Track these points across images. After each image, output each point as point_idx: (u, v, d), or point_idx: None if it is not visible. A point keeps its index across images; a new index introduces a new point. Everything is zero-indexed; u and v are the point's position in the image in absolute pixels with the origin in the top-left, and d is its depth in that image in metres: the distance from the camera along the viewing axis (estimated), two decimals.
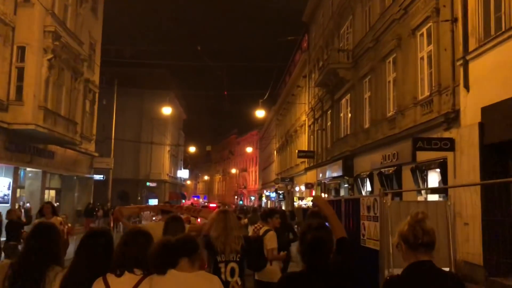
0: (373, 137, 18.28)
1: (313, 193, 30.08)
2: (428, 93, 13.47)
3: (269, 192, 52.10)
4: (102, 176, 30.29)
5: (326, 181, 25.85)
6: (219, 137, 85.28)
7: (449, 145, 11.55)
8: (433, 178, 13.17)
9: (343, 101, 23.30)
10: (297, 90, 36.56)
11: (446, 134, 12.01)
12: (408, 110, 14.86)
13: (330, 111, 25.93)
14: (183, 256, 2.80)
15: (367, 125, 19.56)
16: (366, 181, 19.57)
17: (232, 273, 4.00)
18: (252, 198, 60.75)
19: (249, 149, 60.40)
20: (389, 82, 16.99)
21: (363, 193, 19.59)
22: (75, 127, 22.58)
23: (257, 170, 67.79)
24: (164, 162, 49.29)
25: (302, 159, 32.73)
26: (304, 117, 33.32)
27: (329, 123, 26.33)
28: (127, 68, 44.98)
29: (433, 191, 12.67)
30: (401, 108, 15.57)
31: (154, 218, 16.54)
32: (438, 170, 12.56)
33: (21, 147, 19.07)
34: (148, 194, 46.03)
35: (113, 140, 30.18)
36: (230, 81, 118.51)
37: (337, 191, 23.80)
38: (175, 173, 57.08)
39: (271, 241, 5.86)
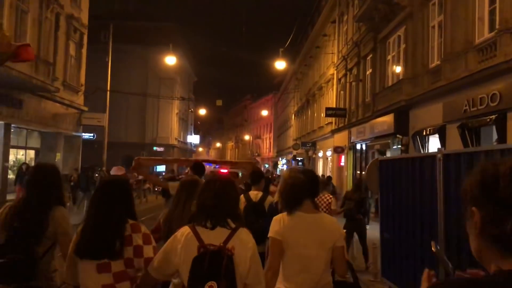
0: (447, 77, 12.56)
1: (343, 158, 24.58)
2: None
3: (285, 159, 46.74)
4: (92, 134, 24.97)
5: (364, 143, 20.26)
6: (232, 102, 79.42)
7: None
8: None
9: (393, 38, 17.41)
10: (322, 41, 30.56)
11: None
12: None
13: (371, 55, 20.08)
14: (307, 198, 2.91)
15: (434, 63, 13.83)
16: (429, 139, 14.07)
17: None
18: (266, 165, 55.50)
19: (264, 112, 54.66)
20: None
21: None
22: (48, 68, 17.09)
23: (271, 137, 62.33)
24: (172, 125, 44.08)
25: (329, 120, 27.09)
26: (332, 70, 27.47)
27: (369, 71, 20.53)
28: (131, 21, 39.56)
29: None
30: (508, 25, 9.86)
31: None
32: None
33: None
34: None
35: (108, 92, 24.58)
36: (247, 39, 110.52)
37: (382, 155, 18.20)
38: (185, 138, 51.92)
39: None
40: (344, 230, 5.41)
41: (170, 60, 27.06)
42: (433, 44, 14.10)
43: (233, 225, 2.39)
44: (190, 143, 55.60)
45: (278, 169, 46.62)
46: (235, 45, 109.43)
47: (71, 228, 3.03)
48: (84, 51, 23.04)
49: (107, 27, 25.78)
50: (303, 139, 35.38)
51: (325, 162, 29.46)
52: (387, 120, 16.69)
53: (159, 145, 42.61)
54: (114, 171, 7.60)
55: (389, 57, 17.93)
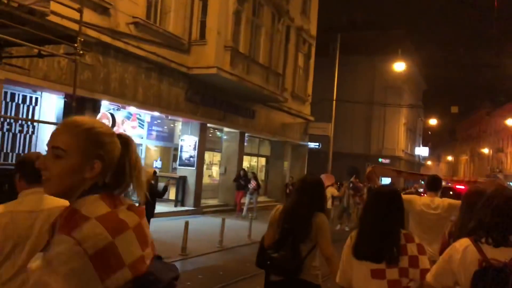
0: None
1: None
2: None
3: None
4: (317, 144, 25.16)
5: None
6: (467, 112, 71.22)
7: None
8: None
9: None
10: None
11: None
12: None
13: None
14: None
15: None
16: None
17: None
18: (511, 183, 47.44)
19: (510, 122, 46.89)
20: None
21: None
22: (277, 79, 17.73)
23: None
24: (399, 137, 41.79)
25: None
26: None
27: None
28: (358, 32, 39.26)
29: None
30: None
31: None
32: None
33: (208, 100, 15.22)
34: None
35: (334, 102, 24.41)
36: (491, 36, 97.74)
37: None
38: (413, 150, 48.65)
39: None
40: None
41: (399, 66, 25.49)
42: None
43: None
44: (418, 155, 51.83)
45: None
46: (475, 44, 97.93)
47: (330, 232, 3.33)
48: (311, 62, 23.46)
49: (335, 39, 25.81)
50: None
51: None
52: None
53: (384, 157, 40.90)
54: (323, 178, 6.89)
55: None
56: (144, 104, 12.56)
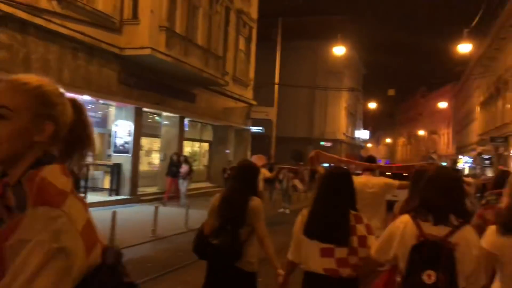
0: None
1: None
2: None
3: (468, 157, 41.11)
4: (260, 128, 24.98)
5: None
6: (404, 95, 73.84)
7: None
8: None
9: None
10: None
11: None
12: None
13: None
14: None
15: None
16: None
17: None
18: (444, 164, 49.89)
19: (442, 105, 48.94)
20: None
21: None
22: (217, 62, 17.19)
23: (450, 132, 55.90)
24: (340, 120, 42.61)
25: None
26: None
27: None
28: (300, 17, 39.31)
29: None
30: None
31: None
32: None
33: (143, 82, 14.47)
34: None
35: (276, 86, 24.21)
36: (423, 23, 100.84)
37: None
38: (353, 133, 49.83)
39: None
40: None
41: (338, 50, 25.61)
42: None
43: (456, 222, 2.28)
44: (359, 138, 53.23)
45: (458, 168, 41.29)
46: (409, 31, 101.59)
47: (263, 214, 3.38)
48: (253, 45, 23.07)
49: (277, 24, 25.48)
50: (492, 134, 30.24)
51: None
52: None
53: (326, 140, 41.63)
54: (253, 160, 6.68)
55: None
56: (71, 87, 11.57)
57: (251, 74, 23.15)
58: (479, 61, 37.33)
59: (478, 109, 38.77)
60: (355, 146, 50.53)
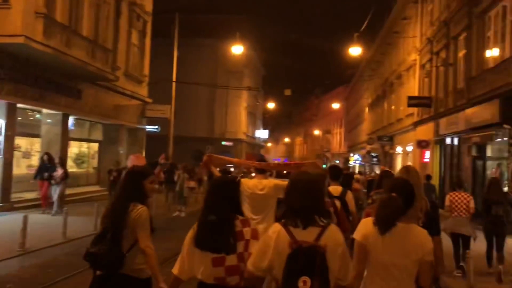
0: None
1: (427, 154, 21.50)
2: None
3: (358, 155, 43.64)
4: (156, 127, 23.89)
5: (457, 136, 17.21)
6: (302, 95, 76.63)
7: None
8: None
9: (495, 11, 14.33)
10: (402, 25, 27.35)
11: None
12: None
13: (464, 34, 16.96)
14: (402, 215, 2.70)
15: None
16: None
17: None
18: (337, 161, 52.59)
19: (335, 106, 51.47)
20: None
21: None
22: (106, 55, 15.91)
23: (342, 132, 59.14)
24: (240, 120, 42.71)
25: (410, 111, 24.04)
26: (413, 56, 24.32)
27: (461, 53, 17.41)
28: (200, 15, 38.75)
29: None
30: None
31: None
32: None
33: (17, 75, 12.80)
34: (223, 155, 39.83)
35: (174, 83, 23.24)
36: (319, 26, 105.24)
37: (482, 149, 15.19)
38: (254, 132, 50.39)
39: None
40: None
41: (237, 49, 25.47)
42: None
43: (322, 223, 2.39)
44: (259, 137, 53.99)
45: (349, 166, 43.67)
46: (307, 33, 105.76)
47: (148, 223, 3.20)
48: (147, 40, 21.93)
49: (175, 20, 24.54)
50: (379, 133, 32.32)
51: (404, 158, 26.35)
52: (489, 108, 13.69)
53: (227, 140, 41.53)
54: (131, 160, 6.10)
55: (490, 33, 14.83)
56: None
57: (146, 70, 21.98)
58: (368, 65, 39.81)
59: (367, 110, 41.33)
60: (256, 145, 51.14)
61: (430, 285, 2.89)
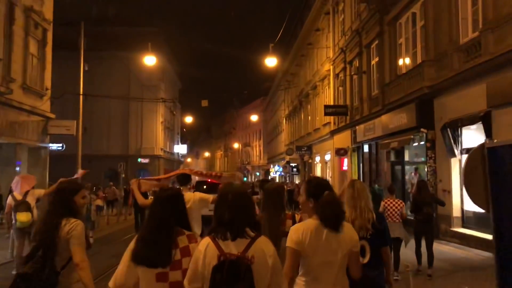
0: (490, 51, 9.75)
1: (345, 162, 21.64)
2: None
3: (278, 166, 43.71)
4: (60, 145, 21.66)
5: (374, 142, 17.33)
6: (220, 109, 76.10)
7: None
8: None
9: (405, 17, 14.64)
10: (315, 36, 27.78)
11: None
12: None
13: (376, 42, 17.25)
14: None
15: (468, 37, 11.03)
16: (461, 131, 11.27)
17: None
18: (257, 174, 52.47)
19: (253, 118, 51.38)
20: None
21: (457, 151, 11.28)
22: None
23: (261, 144, 59.33)
24: (157, 136, 40.88)
25: (326, 120, 24.25)
26: (327, 66, 24.63)
27: (374, 61, 17.70)
28: (110, 27, 36.79)
29: None
30: None
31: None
32: None
33: None
34: (140, 172, 37.71)
35: (81, 96, 21.25)
36: (235, 39, 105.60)
37: (399, 154, 15.32)
38: (172, 148, 48.60)
39: None
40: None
41: (150, 60, 23.97)
42: (464, 15, 11.29)
43: (252, 234, 2.34)
44: (178, 153, 52.23)
45: (269, 177, 43.53)
46: (224, 46, 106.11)
47: (83, 237, 3.14)
48: (48, 50, 19.82)
49: (84, 33, 22.65)
50: (297, 143, 32.44)
51: (323, 167, 26.49)
52: (405, 113, 13.81)
53: (143, 157, 39.56)
54: (18, 182, 5.11)
55: (401, 40, 15.12)
56: None
57: (48, 83, 19.82)
58: (284, 76, 40.18)
59: (284, 121, 41.61)
60: (174, 161, 49.39)
61: (360, 274, 2.92)
